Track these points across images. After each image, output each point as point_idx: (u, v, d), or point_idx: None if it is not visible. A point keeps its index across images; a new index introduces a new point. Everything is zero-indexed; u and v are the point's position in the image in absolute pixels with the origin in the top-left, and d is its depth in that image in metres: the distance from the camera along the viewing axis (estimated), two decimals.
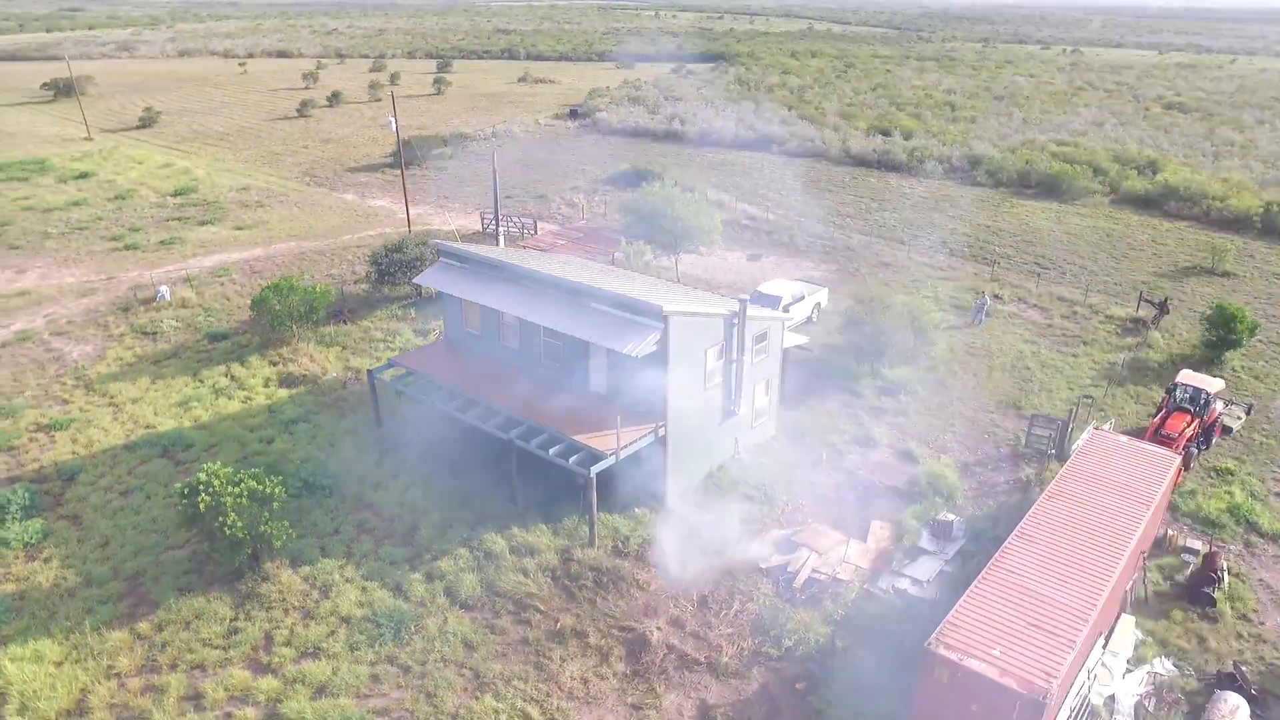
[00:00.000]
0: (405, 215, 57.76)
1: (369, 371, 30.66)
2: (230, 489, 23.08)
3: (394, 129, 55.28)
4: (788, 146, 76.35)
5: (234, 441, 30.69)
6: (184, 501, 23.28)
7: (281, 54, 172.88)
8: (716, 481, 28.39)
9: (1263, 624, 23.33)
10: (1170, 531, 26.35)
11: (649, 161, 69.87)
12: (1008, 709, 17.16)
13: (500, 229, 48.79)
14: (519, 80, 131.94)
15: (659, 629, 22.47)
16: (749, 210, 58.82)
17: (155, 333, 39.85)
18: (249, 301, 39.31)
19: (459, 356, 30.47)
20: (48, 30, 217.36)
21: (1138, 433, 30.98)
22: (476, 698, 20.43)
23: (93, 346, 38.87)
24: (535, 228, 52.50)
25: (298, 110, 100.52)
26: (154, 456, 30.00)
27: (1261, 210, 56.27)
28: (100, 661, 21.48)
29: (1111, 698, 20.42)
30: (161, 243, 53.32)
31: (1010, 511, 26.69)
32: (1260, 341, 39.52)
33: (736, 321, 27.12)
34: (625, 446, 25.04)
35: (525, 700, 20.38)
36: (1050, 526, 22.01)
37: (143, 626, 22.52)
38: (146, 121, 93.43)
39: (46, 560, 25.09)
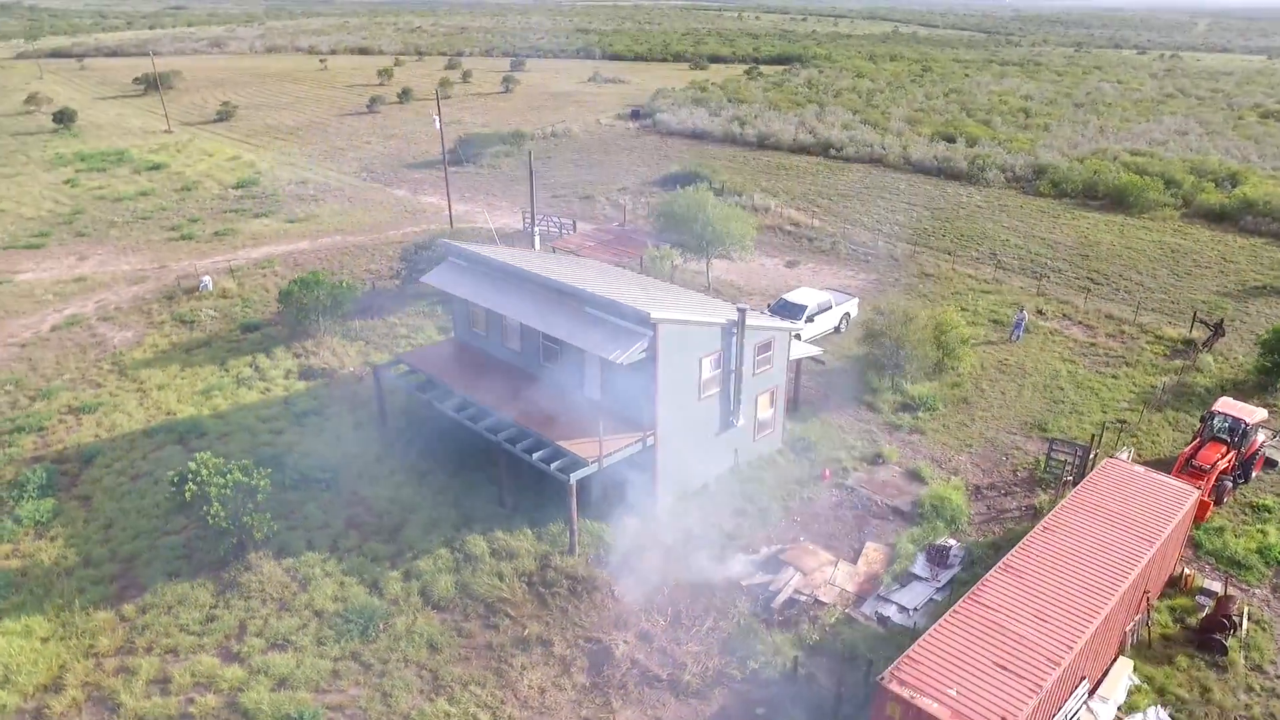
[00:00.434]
0: (455, 211, 58.53)
1: (375, 368, 31.01)
2: (217, 479, 23.57)
3: (438, 127, 55.87)
4: (846, 152, 74.78)
5: (246, 431, 31.40)
6: (173, 489, 23.89)
7: (363, 51, 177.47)
8: (712, 494, 27.82)
9: (1279, 678, 21.68)
10: (1187, 571, 24.75)
11: (701, 164, 69.27)
12: None
13: (536, 229, 48.91)
14: (589, 80, 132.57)
15: (626, 642, 22.09)
16: (794, 216, 57.75)
17: (193, 321, 41.14)
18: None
19: (463, 357, 30.57)
20: (150, 28, 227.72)
21: (1169, 463, 29.29)
22: (431, 700, 20.38)
23: (133, 333, 40.33)
24: (574, 227, 52.48)
25: (367, 106, 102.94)
26: (169, 443, 30.90)
27: None
28: (83, 640, 22.14)
29: None
30: (215, 234, 55.11)
31: (1016, 540, 25.36)
32: None
33: (735, 331, 26.51)
34: (608, 455, 24.68)
35: (479, 706, 20.25)
36: (1039, 560, 20.84)
37: (128, 609, 23.15)
38: (223, 115, 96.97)
39: (52, 539, 26.04)
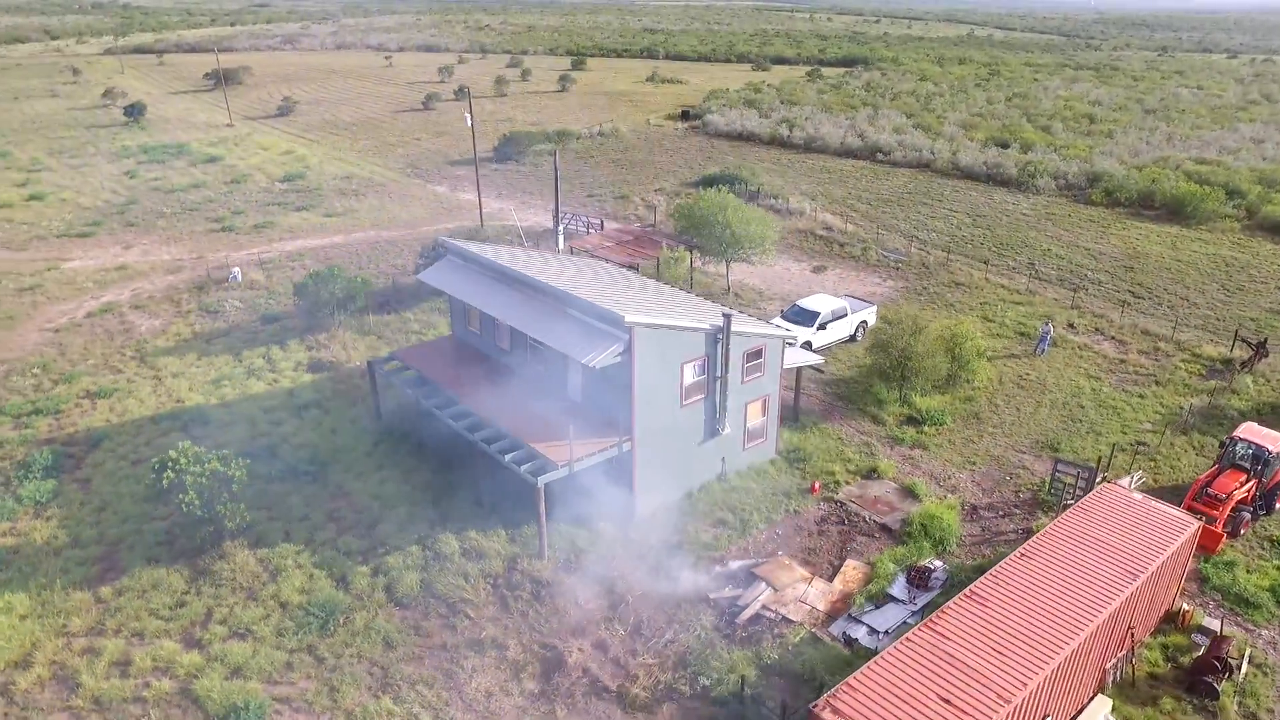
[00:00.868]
0: (490, 209, 58.98)
1: (369, 363, 31.25)
2: (194, 468, 23.97)
3: (469, 124, 56.27)
4: (893, 156, 73.06)
5: (247, 421, 31.96)
6: (153, 476, 24.38)
7: (430, 48, 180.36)
8: (694, 503, 27.29)
9: None
10: (1186, 606, 23.34)
11: (742, 165, 68.46)
12: None
13: (560, 228, 48.87)
14: (646, 80, 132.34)
15: (581, 650, 21.75)
16: (829, 220, 56.60)
17: (218, 312, 42.15)
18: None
19: (456, 355, 30.59)
20: (231, 24, 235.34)
21: (1185, 490, 27.73)
22: (377, 697, 20.37)
23: (161, 321, 41.49)
24: (601, 227, 52.31)
25: (423, 103, 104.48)
26: (173, 430, 31.61)
27: None
28: (57, 619, 22.74)
29: None
30: (255, 226, 56.46)
31: None
32: None
33: (720, 336, 25.95)
34: (578, 459, 24.37)
35: (423, 706, 20.15)
36: (1008, 588, 19.84)
37: (105, 590, 23.69)
38: (284, 110, 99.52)
39: (48, 519, 26.84)
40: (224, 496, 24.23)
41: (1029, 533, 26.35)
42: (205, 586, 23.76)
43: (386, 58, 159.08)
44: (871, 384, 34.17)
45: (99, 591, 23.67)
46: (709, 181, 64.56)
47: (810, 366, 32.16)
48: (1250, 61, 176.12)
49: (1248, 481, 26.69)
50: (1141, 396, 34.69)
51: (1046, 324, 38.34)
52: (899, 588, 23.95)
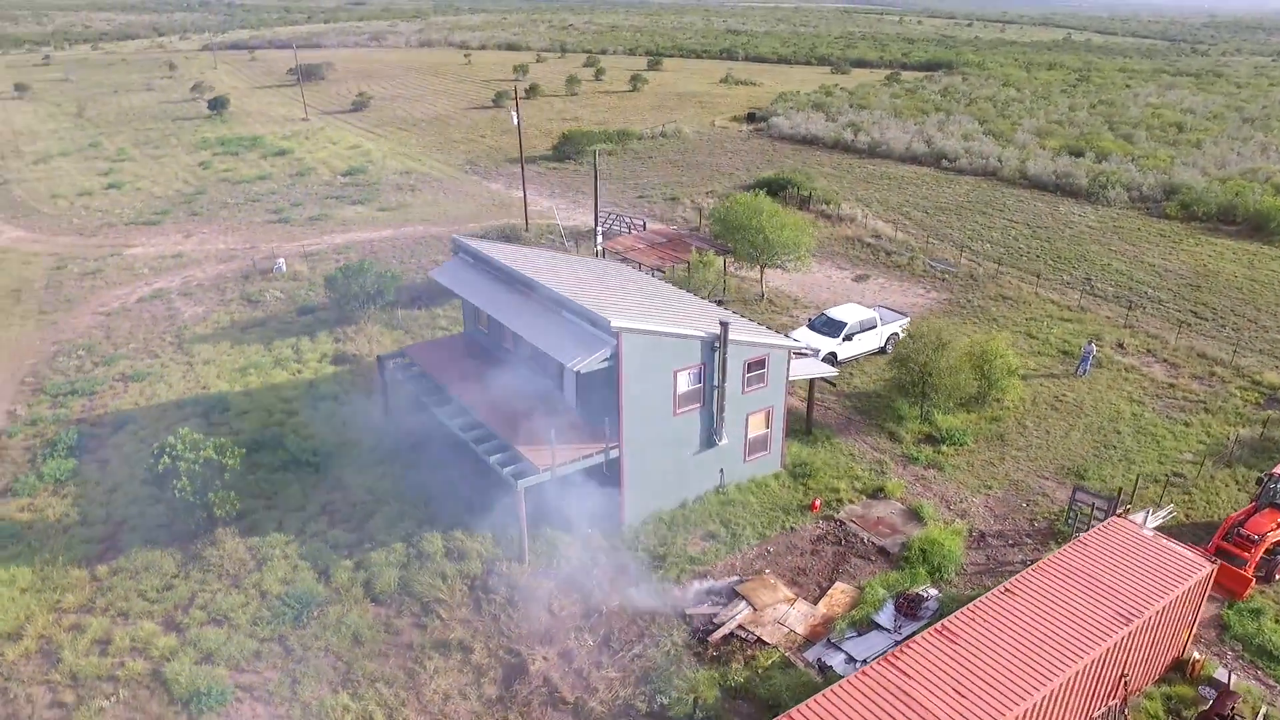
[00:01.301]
0: (540, 207, 59.28)
1: (379, 358, 31.54)
2: (188, 454, 24.52)
3: (516, 123, 56.57)
4: (959, 163, 70.67)
5: (264, 410, 32.64)
6: (151, 460, 25.04)
7: (511, 47, 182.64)
8: (687, 514, 26.69)
9: None
10: (1197, 655, 21.72)
11: (799, 170, 67.22)
12: None
13: (599, 228, 48.68)
14: (720, 81, 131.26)
15: (545, 659, 21.45)
16: (879, 227, 55.00)
17: (258, 301, 43.27)
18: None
19: (463, 353, 30.62)
20: (325, 21, 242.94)
21: (1214, 528, 25.92)
22: (336, 692, 20.44)
23: (204, 308, 42.82)
24: (644, 228, 51.92)
25: (493, 101, 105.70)
26: (194, 415, 32.50)
27: None
28: (53, 595, 23.53)
29: None
30: (310, 219, 57.89)
31: None
32: None
33: (718, 345, 25.30)
34: (560, 465, 24.06)
35: (379, 704, 20.14)
36: (985, 625, 18.72)
37: (101, 569, 24.44)
38: (358, 106, 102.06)
39: (63, 496, 27.87)
40: (216, 484, 24.71)
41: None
42: (194, 571, 24.27)
43: (466, 55, 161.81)
44: (893, 399, 32.96)
45: (96, 570, 24.42)
46: (762, 185, 63.50)
47: (822, 379, 31.16)
48: None
49: None
50: (1186, 424, 32.59)
51: (1089, 343, 36.37)
52: (886, 615, 22.94)
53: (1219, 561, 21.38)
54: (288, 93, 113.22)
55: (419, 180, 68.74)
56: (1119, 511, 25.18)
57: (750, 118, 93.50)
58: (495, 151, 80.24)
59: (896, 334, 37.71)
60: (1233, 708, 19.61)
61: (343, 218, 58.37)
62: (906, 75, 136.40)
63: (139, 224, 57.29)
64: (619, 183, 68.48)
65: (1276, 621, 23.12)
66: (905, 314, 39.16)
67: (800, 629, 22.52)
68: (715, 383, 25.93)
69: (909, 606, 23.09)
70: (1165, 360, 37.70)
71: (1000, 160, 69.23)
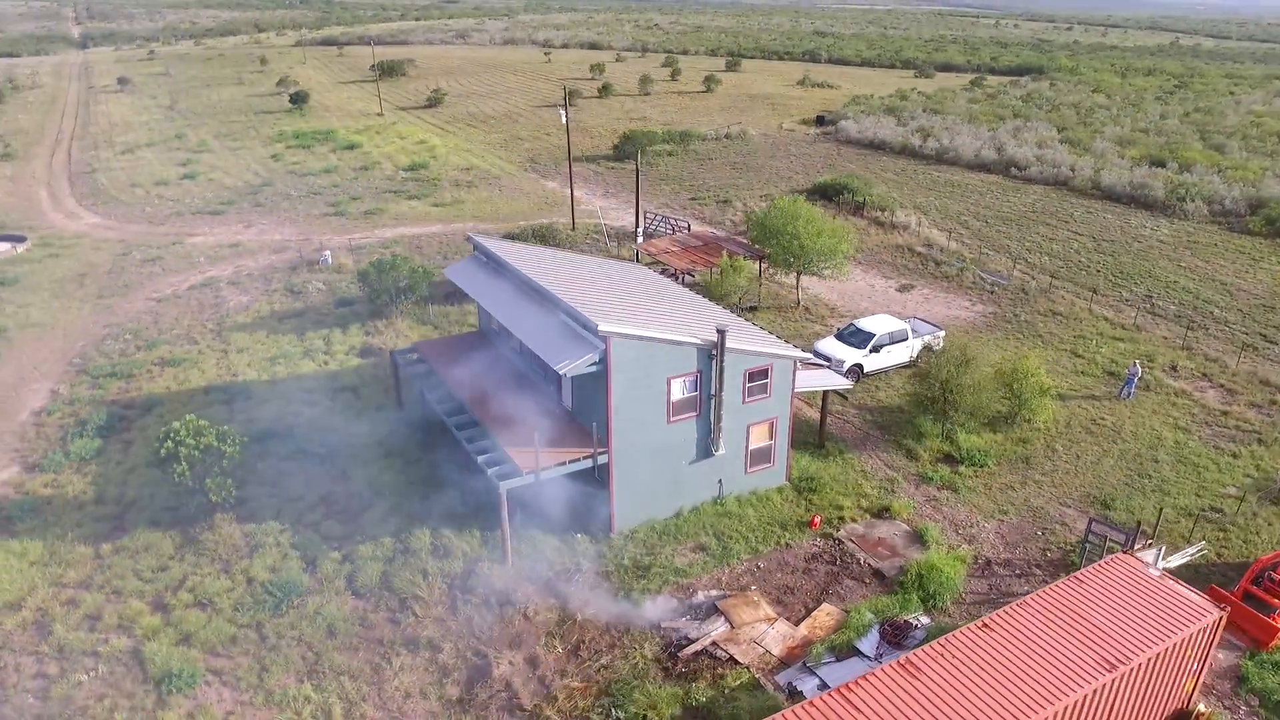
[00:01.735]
0: (591, 206, 59.37)
1: (392, 353, 31.87)
2: (189, 440, 25.16)
3: (564, 121, 56.64)
4: (1029, 171, 67.88)
5: (283, 400, 33.35)
6: (156, 444, 25.79)
7: (594, 46, 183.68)
8: (681, 523, 26.16)
9: None
10: (1203, 709, 20.19)
11: (858, 175, 65.64)
12: None
13: (638, 229, 48.33)
14: (797, 83, 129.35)
15: (511, 663, 21.26)
16: (933, 236, 53.19)
17: (300, 292, 44.34)
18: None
19: (471, 351, 30.67)
20: (417, 19, 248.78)
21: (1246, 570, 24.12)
22: (301, 682, 20.64)
23: (249, 298, 44.10)
24: (689, 229, 51.33)
25: (562, 99, 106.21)
26: (218, 402, 33.44)
27: None
28: (59, 569, 24.45)
29: None
30: (365, 212, 59.15)
31: None
32: None
33: (715, 353, 24.71)
34: (544, 468, 23.83)
35: (339, 697, 20.26)
36: (952, 661, 17.70)
37: (105, 547, 25.27)
38: (432, 102, 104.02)
39: (84, 475, 28.97)
40: (215, 470, 25.29)
41: None
42: (189, 554, 24.89)
43: (546, 54, 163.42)
44: (915, 416, 31.72)
45: (100, 548, 25.26)
46: (818, 189, 62.35)
47: (836, 392, 30.17)
48: None
49: None
50: (1234, 455, 30.46)
51: (1135, 364, 34.33)
52: (869, 642, 22.00)
53: (1228, 609, 19.79)
54: (369, 88, 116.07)
55: (477, 177, 69.58)
56: (1130, 548, 23.66)
57: (819, 121, 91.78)
58: (558, 150, 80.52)
59: (929, 347, 36.32)
60: None
61: (396, 212, 59.45)
62: (992, 80, 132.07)
63: (204, 213, 59.48)
64: (674, 184, 68.05)
65: None
66: (940, 327, 37.69)
67: (776, 650, 21.78)
68: (712, 391, 25.32)
69: (894, 634, 22.11)
70: (1222, 385, 35.35)
71: (1073, 169, 66.23)
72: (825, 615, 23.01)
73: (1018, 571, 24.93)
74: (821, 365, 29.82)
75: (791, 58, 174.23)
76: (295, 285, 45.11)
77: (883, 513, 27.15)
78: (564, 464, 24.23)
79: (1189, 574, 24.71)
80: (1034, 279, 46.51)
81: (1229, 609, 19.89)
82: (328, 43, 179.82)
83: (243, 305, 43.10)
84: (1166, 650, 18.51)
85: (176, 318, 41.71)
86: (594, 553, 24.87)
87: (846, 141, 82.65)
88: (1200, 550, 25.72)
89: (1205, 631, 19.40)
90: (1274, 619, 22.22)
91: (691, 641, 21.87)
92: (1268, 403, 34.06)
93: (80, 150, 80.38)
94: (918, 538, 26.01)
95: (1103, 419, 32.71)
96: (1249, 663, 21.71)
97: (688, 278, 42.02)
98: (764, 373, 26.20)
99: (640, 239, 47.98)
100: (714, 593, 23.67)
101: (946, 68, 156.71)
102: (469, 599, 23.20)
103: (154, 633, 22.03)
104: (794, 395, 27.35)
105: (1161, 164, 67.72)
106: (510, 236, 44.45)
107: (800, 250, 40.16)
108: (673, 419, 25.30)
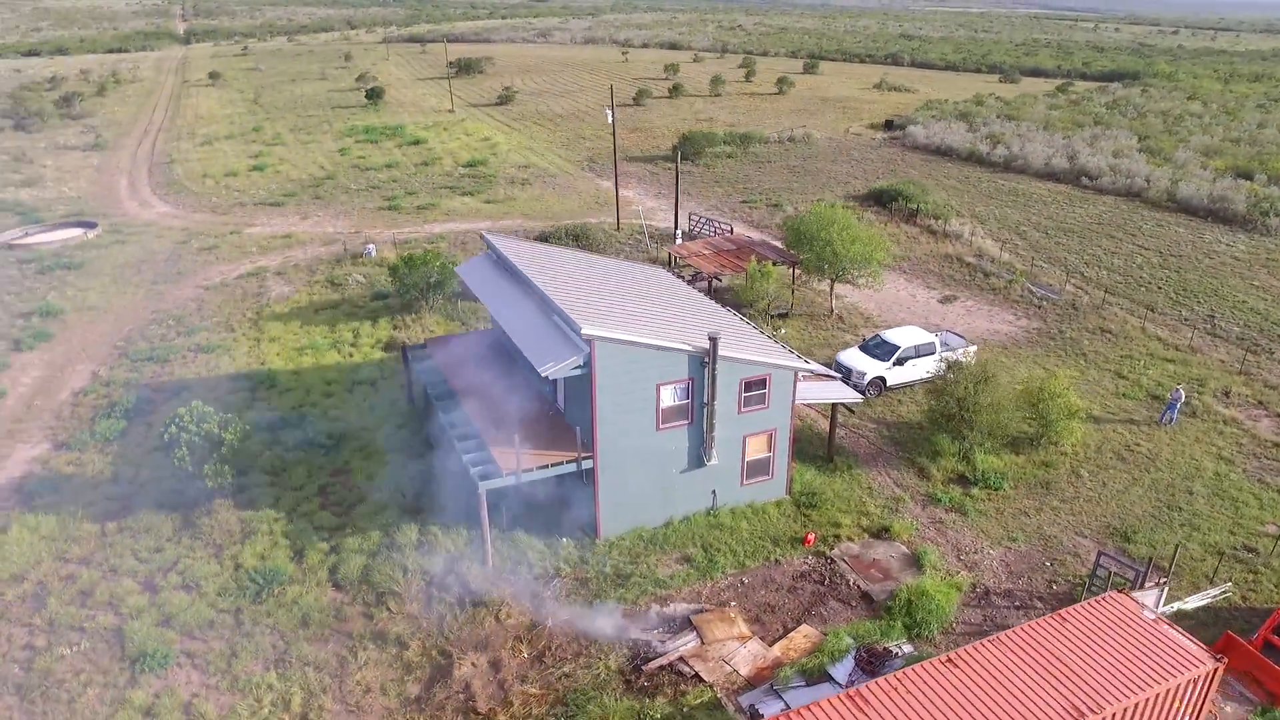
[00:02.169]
0: (642, 206, 59.15)
1: (403, 347, 32.16)
2: (191, 426, 25.82)
3: (610, 121, 56.45)
4: (1100, 181, 64.79)
5: (303, 390, 34.04)
6: (161, 429, 26.54)
7: (674, 46, 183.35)
8: (670, 533, 25.67)
9: None
10: None
11: (918, 181, 63.73)
12: None
13: (677, 231, 47.83)
14: (874, 86, 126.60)
15: (474, 665, 21.15)
16: (985, 246, 51.16)
17: (340, 285, 45.26)
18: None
19: (478, 349, 30.75)
20: (503, 18, 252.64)
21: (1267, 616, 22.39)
22: (266, 670, 20.92)
23: (291, 288, 45.23)
24: (732, 231, 50.60)
25: (633, 99, 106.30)
26: (242, 390, 34.30)
27: None
28: (65, 545, 25.39)
29: None
30: (419, 207, 60.10)
31: None
32: None
33: (707, 361, 24.15)
34: (526, 470, 23.64)
35: (301, 687, 20.46)
36: (908, 698, 16.81)
37: (111, 526, 26.14)
38: (503, 99, 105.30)
39: (106, 454, 30.06)
40: (214, 457, 25.89)
41: None
42: (185, 537, 25.54)
43: (624, 53, 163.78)
44: (933, 433, 30.48)
45: (106, 526, 26.13)
46: (873, 196, 60.81)
47: (842, 405, 29.19)
48: None
49: None
50: (1279, 491, 28.35)
51: (1178, 389, 32.27)
52: (842, 668, 21.16)
53: (1224, 660, 18.31)
54: (445, 85, 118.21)
55: (534, 175, 70.04)
56: (1139, 585, 22.19)
57: (888, 125, 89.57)
58: (619, 149, 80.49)
59: (959, 361, 34.84)
60: None
61: (449, 208, 60.25)
62: (1081, 86, 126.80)
63: (266, 204, 61.32)
64: (728, 185, 67.27)
65: None
66: (971, 341, 36.17)
67: (745, 670, 21.12)
68: (705, 400, 24.75)
69: (871, 662, 21.22)
70: (1277, 415, 33.00)
71: (1148, 180, 62.92)
72: (802, 637, 22.23)
73: (1017, 603, 23.66)
74: (829, 377, 28.85)
75: (873, 60, 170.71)
76: (337, 278, 46.06)
77: (882, 533, 26.14)
78: (546, 466, 24.00)
79: (1207, 617, 23.19)
80: (1087, 294, 44.29)
81: (1226, 660, 18.41)
82: (413, 40, 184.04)
83: (283, 295, 44.21)
84: (1148, 701, 17.25)
85: (219, 306, 43.03)
86: (577, 558, 24.59)
87: (913, 147, 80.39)
88: (1224, 592, 23.99)
89: (1197, 683, 18.01)
90: None
91: (658, 655, 21.39)
92: None
93: (165, 141, 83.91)
94: (915, 561, 24.93)
95: (1138, 445, 30.88)
96: (1259, 718, 20.10)
97: (716, 282, 41.34)
98: (762, 383, 25.50)
99: (679, 240, 47.46)
100: (691, 606, 23.12)
101: (1035, 72, 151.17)
102: (443, 597, 23.18)
103: (138, 612, 22.64)
104: (794, 407, 26.55)
105: (1248, 176, 63.82)
106: (543, 237, 44.49)
107: (833, 257, 39.10)
108: (663, 426, 24.83)
